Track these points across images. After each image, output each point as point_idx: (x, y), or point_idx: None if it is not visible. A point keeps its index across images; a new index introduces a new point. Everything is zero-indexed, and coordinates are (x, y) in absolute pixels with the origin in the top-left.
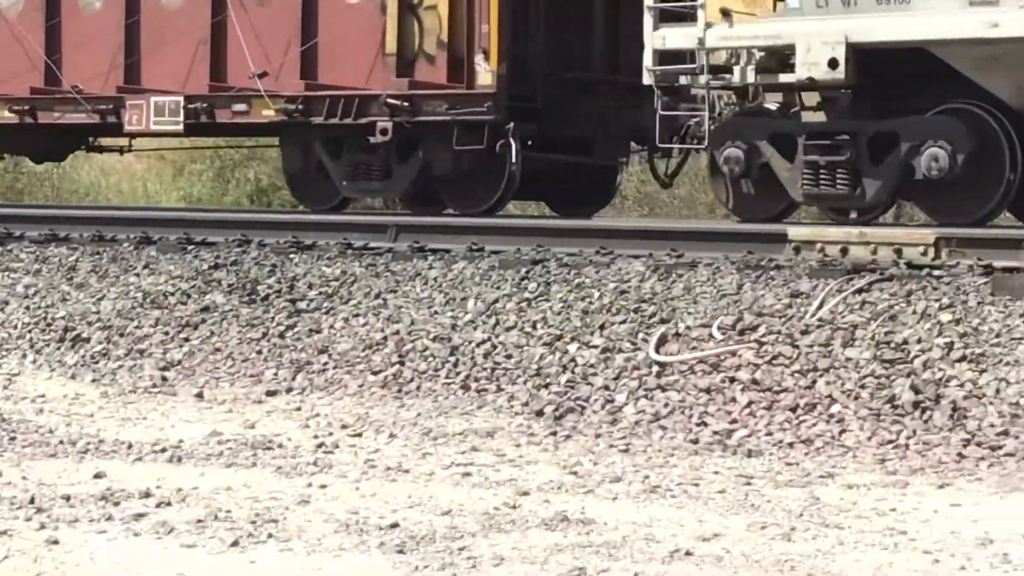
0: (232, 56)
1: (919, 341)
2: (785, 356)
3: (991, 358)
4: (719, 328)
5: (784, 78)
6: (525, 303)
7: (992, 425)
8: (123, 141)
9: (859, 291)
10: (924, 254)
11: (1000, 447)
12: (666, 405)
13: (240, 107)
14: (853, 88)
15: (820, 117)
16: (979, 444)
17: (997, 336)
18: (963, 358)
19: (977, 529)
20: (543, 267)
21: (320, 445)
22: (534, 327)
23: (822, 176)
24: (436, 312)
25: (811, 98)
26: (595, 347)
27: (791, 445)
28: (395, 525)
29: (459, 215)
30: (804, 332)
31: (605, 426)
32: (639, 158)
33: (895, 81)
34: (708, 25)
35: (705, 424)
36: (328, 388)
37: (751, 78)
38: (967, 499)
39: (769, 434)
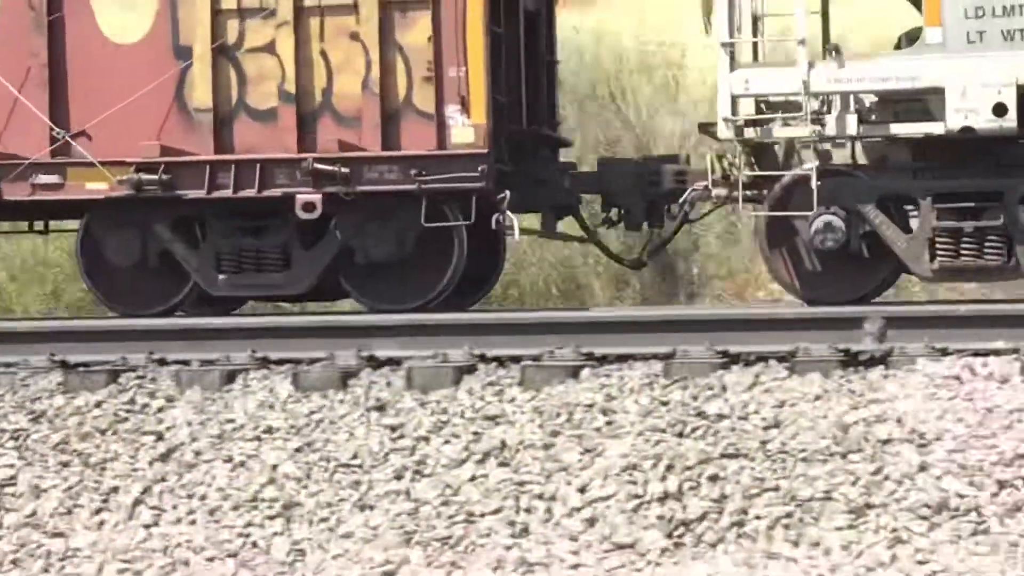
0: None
1: None
2: None
3: None
4: None
5: (917, 129)
6: None
7: None
8: None
9: None
10: None
11: None
12: None
13: (48, 179)
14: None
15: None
16: None
17: None
18: None
19: None
20: None
21: None
22: None
23: (964, 245)
24: None
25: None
26: None
27: None
28: None
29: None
30: None
31: None
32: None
33: None
34: (810, 65)
35: None
36: None
37: (852, 129)
38: None
39: None
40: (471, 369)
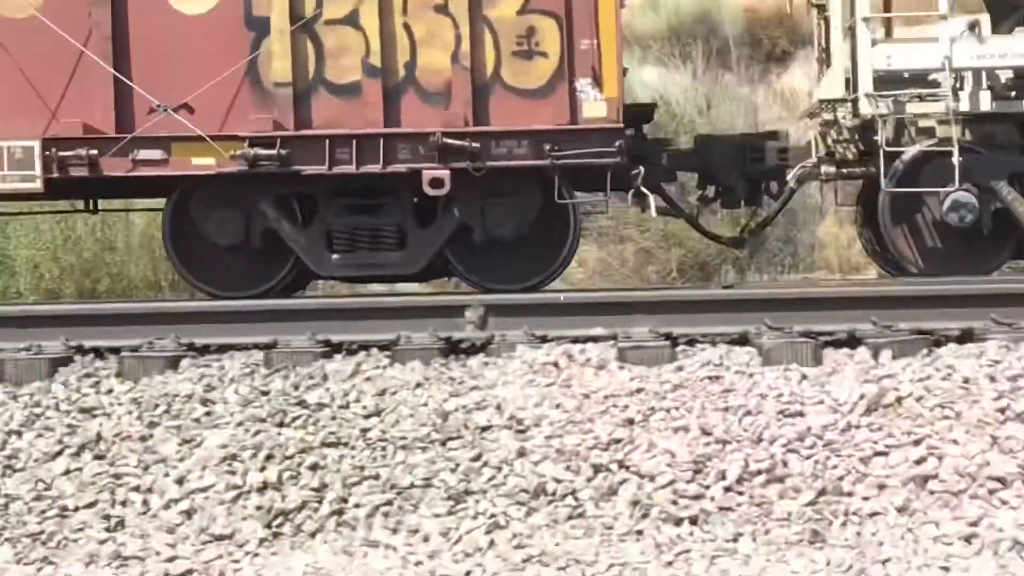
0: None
1: None
2: None
3: None
4: None
5: None
6: None
7: None
8: None
9: None
10: None
11: None
12: None
13: (150, 154)
14: None
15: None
16: None
17: None
18: None
19: None
20: None
21: None
22: None
23: None
24: None
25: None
26: None
27: None
28: None
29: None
30: None
31: None
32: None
33: None
34: (952, 40)
35: None
36: None
37: (986, 105)
38: None
39: None
40: (67, 361)
